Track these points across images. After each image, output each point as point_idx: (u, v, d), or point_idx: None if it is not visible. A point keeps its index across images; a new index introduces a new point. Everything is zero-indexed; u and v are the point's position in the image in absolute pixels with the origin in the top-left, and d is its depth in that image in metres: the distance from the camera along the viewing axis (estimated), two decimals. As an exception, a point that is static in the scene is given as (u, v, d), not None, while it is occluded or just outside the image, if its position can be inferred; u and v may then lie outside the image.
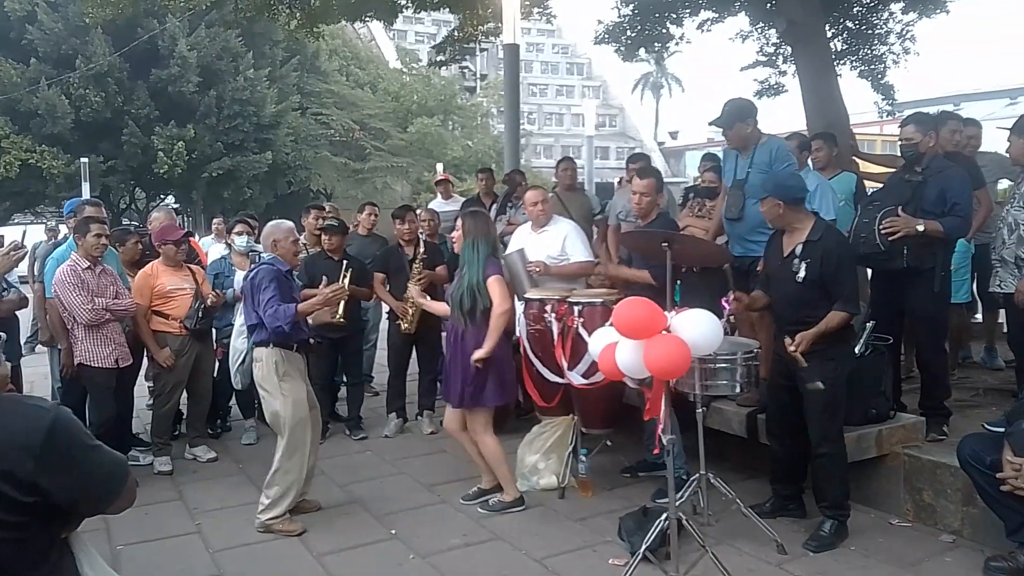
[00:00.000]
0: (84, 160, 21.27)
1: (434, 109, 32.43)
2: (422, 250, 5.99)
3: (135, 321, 5.23)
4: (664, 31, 10.49)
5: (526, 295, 4.76)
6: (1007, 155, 4.53)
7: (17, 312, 5.06)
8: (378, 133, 31.12)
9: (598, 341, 3.64)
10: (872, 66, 10.55)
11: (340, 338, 5.76)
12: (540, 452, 4.68)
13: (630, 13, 10.26)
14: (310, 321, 4.70)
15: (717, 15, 10.32)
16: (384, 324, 6.97)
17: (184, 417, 5.84)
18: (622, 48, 10.72)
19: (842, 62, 10.27)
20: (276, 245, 4.37)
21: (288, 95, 27.67)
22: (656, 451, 3.76)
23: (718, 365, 3.80)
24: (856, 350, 4.08)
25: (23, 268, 7.00)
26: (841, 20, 10.05)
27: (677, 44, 11.08)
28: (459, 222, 4.55)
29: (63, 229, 8.99)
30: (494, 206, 7.64)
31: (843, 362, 3.85)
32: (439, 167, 23.27)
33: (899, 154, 4.61)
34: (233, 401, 6.21)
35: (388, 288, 6.02)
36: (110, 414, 4.98)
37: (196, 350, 5.43)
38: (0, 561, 1.59)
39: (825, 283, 3.75)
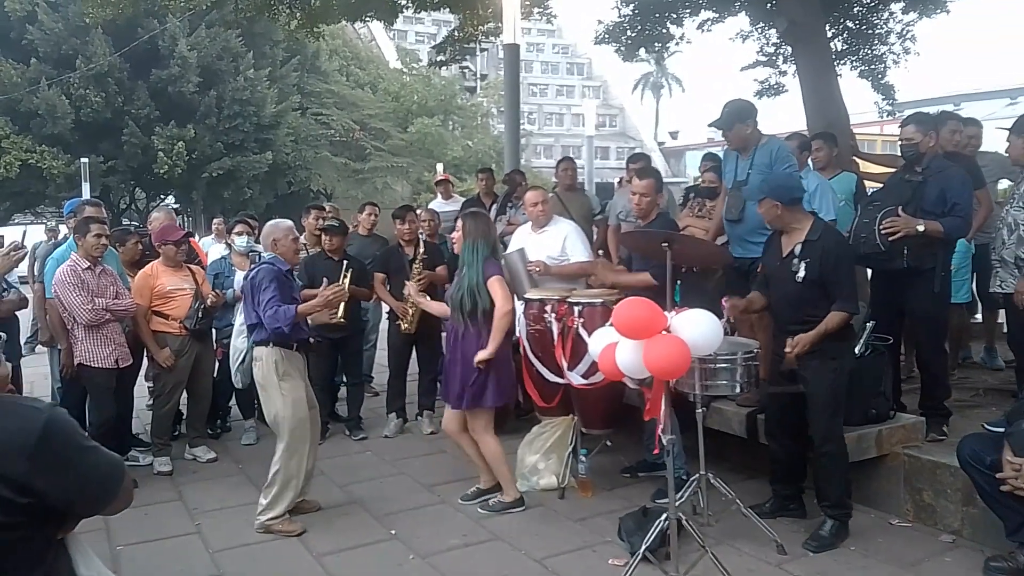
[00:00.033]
0: (84, 160, 21.27)
1: (434, 109, 32.44)
2: (422, 250, 5.99)
3: (135, 321, 5.23)
4: (664, 31, 10.49)
5: (526, 295, 4.76)
6: (1007, 155, 4.53)
7: (17, 312, 5.06)
8: (378, 133, 31.13)
9: (598, 341, 3.64)
10: (872, 66, 10.55)
11: (340, 338, 5.76)
12: (540, 452, 4.68)
13: (630, 13, 10.26)
14: (310, 321, 4.71)
15: (717, 15, 10.32)
16: (384, 324, 6.97)
17: (184, 417, 5.84)
18: (622, 48, 10.72)
19: (842, 62, 10.27)
20: (276, 244, 4.37)
21: (288, 95, 27.67)
22: (656, 451, 3.76)
23: (718, 365, 3.79)
24: (856, 350, 4.08)
25: (23, 268, 7.01)
26: (841, 20, 10.05)
27: (677, 44, 11.09)
28: (459, 223, 4.54)
29: (63, 229, 8.99)
30: (494, 206, 7.64)
31: (844, 361, 3.86)
32: (439, 167, 23.27)
33: (899, 154, 4.60)
34: (233, 401, 6.21)
35: (388, 288, 6.02)
36: (110, 414, 4.99)
37: (196, 350, 5.43)
38: None
39: (825, 282, 3.76)
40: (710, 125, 4.85)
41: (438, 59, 13.10)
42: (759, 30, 10.81)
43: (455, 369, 4.35)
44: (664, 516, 3.49)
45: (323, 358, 5.75)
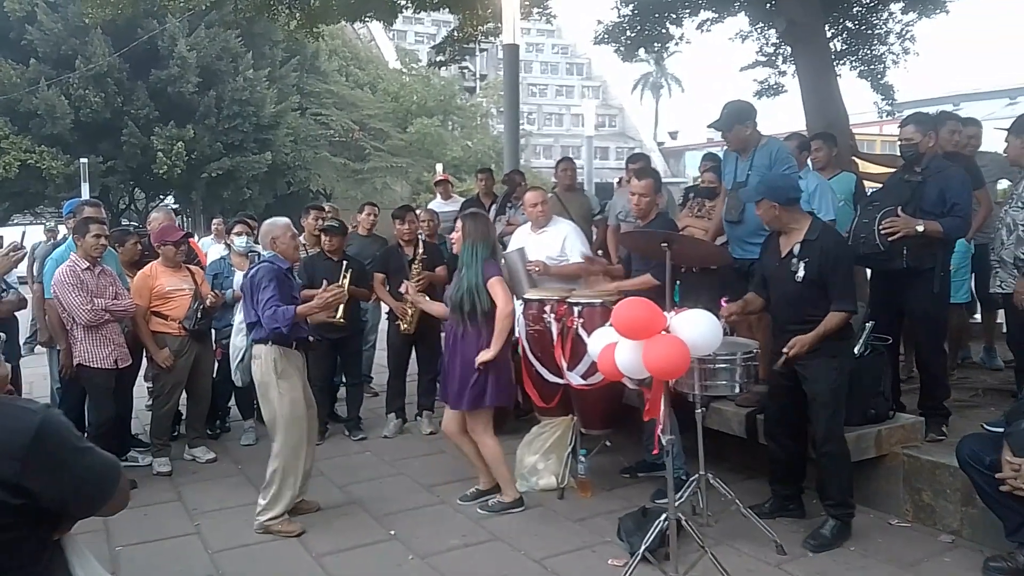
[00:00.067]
0: (83, 160, 21.25)
1: (434, 109, 32.43)
2: (421, 251, 5.98)
3: (134, 322, 5.23)
4: (664, 31, 10.50)
5: (525, 295, 4.76)
6: (1006, 155, 4.53)
7: (16, 313, 5.06)
8: (378, 133, 31.12)
9: (597, 341, 3.64)
10: (872, 66, 10.55)
11: (339, 339, 5.76)
12: (539, 453, 4.68)
13: (630, 13, 10.26)
14: (309, 320, 4.70)
15: (717, 15, 10.32)
16: (383, 324, 6.97)
17: (183, 418, 5.83)
18: (622, 48, 10.72)
19: (842, 62, 10.28)
20: (275, 243, 4.37)
21: (288, 95, 27.66)
22: (655, 451, 3.76)
23: (717, 365, 3.80)
24: (855, 350, 4.08)
25: (22, 269, 7.01)
26: (841, 20, 10.05)
27: (677, 44, 11.09)
28: (458, 223, 4.54)
29: (62, 230, 8.99)
30: (493, 206, 7.64)
31: (844, 360, 3.86)
32: (438, 167, 23.25)
33: (899, 154, 4.61)
34: (232, 402, 6.21)
35: (388, 288, 6.02)
36: (109, 415, 4.98)
37: (195, 351, 5.43)
38: None
39: (824, 282, 3.76)
40: (709, 126, 4.85)
41: (437, 59, 13.11)
42: (758, 30, 10.82)
43: (455, 370, 4.35)
44: (663, 516, 3.49)
45: (322, 358, 5.74)
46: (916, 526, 4.06)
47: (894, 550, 3.80)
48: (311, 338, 4.68)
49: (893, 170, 4.76)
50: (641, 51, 11.20)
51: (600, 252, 6.51)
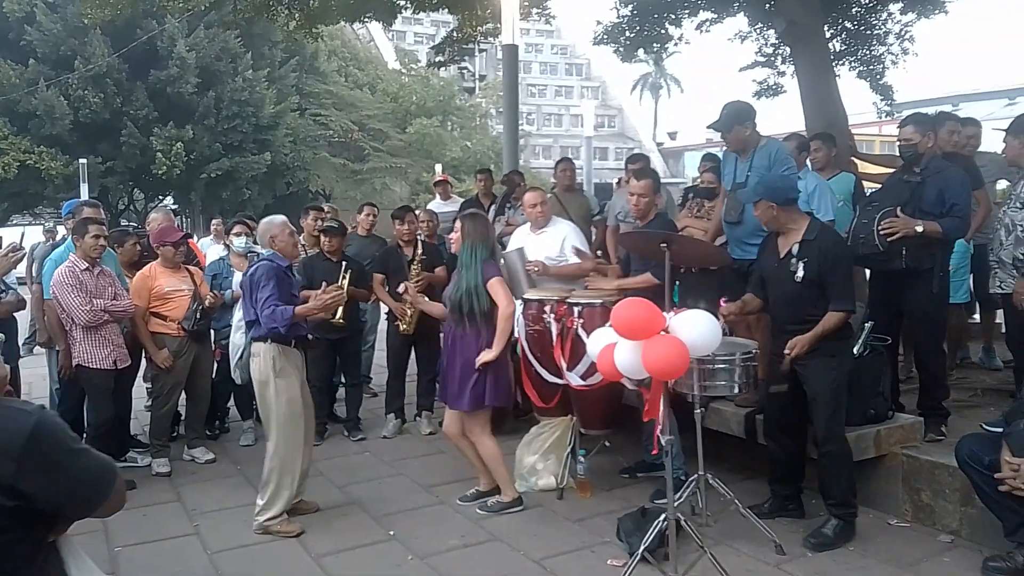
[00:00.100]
0: (83, 161, 21.25)
1: (433, 110, 32.44)
2: (420, 251, 5.98)
3: (133, 323, 5.22)
4: (663, 32, 10.51)
5: (525, 296, 4.76)
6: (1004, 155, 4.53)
7: (15, 314, 5.06)
8: (377, 134, 31.12)
9: (597, 342, 3.64)
10: (871, 66, 10.56)
11: (338, 339, 5.75)
12: (539, 453, 4.68)
13: (629, 14, 10.27)
14: (308, 320, 4.70)
15: (716, 16, 10.33)
16: (383, 325, 6.97)
17: (182, 418, 5.83)
18: (621, 49, 10.73)
19: (841, 63, 10.29)
20: (274, 241, 4.37)
21: (287, 96, 27.66)
22: (655, 452, 3.76)
23: (716, 366, 3.80)
24: (855, 350, 4.08)
25: (21, 269, 7.00)
26: (840, 21, 10.06)
27: (676, 45, 11.10)
28: (457, 224, 4.54)
29: (61, 230, 8.99)
30: (493, 207, 7.65)
31: (844, 360, 3.86)
32: (438, 168, 23.28)
33: (898, 155, 4.61)
34: (231, 402, 6.21)
35: (387, 289, 6.02)
36: (108, 415, 4.98)
37: (194, 351, 5.42)
38: None
39: (823, 282, 3.76)
40: (709, 127, 4.86)
41: (437, 60, 13.12)
42: (758, 31, 10.82)
43: (454, 370, 4.35)
44: (663, 516, 3.49)
45: (321, 359, 5.74)
46: (915, 526, 4.06)
47: (893, 550, 3.81)
48: (310, 336, 4.68)
49: (892, 170, 4.76)
50: (640, 51, 11.21)
51: (599, 253, 6.51)
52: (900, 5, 9.89)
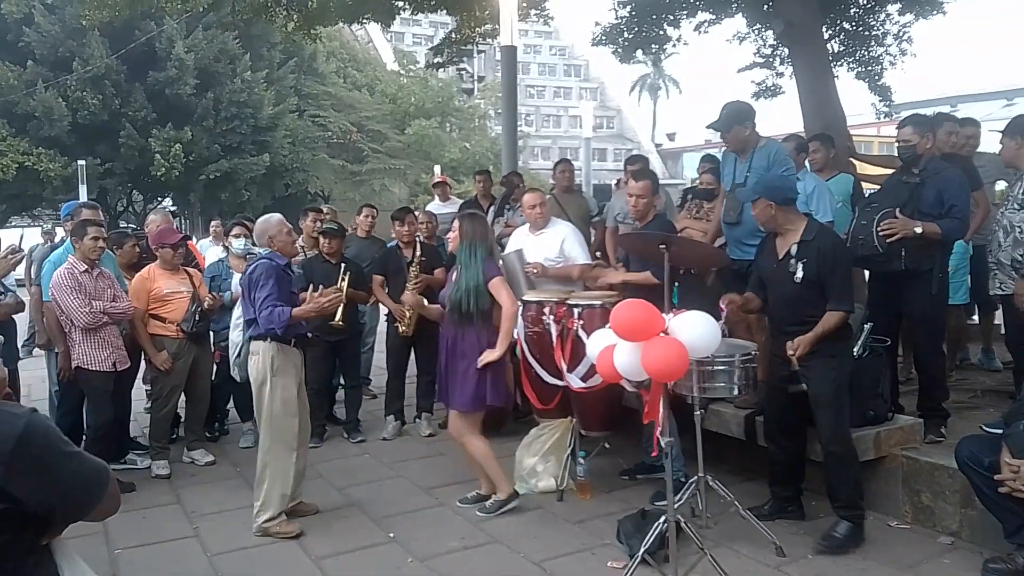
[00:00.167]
0: (81, 162, 21.22)
1: (432, 111, 32.42)
2: (419, 252, 5.98)
3: (132, 324, 5.22)
4: (661, 33, 10.52)
5: (524, 297, 4.76)
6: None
7: (14, 315, 5.05)
8: (376, 135, 31.10)
9: (596, 343, 3.64)
10: (869, 67, 10.57)
11: (338, 341, 5.75)
12: (538, 455, 4.68)
13: (627, 15, 10.28)
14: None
15: (714, 17, 10.34)
16: (382, 327, 6.96)
17: (182, 420, 5.83)
18: (619, 50, 10.74)
19: (839, 64, 10.30)
20: (272, 241, 4.36)
21: (285, 97, 27.63)
22: (654, 453, 3.75)
23: (716, 367, 3.80)
24: (854, 351, 4.08)
25: (20, 271, 6.99)
26: (838, 21, 10.07)
27: (674, 46, 11.12)
28: (455, 223, 4.55)
29: (60, 232, 8.97)
30: (492, 208, 7.64)
31: (844, 360, 3.86)
32: (437, 169, 23.25)
33: (896, 156, 4.61)
34: (231, 404, 6.20)
35: (387, 290, 6.01)
36: (108, 417, 4.97)
37: (193, 353, 5.42)
38: None
39: (822, 283, 3.76)
40: (708, 127, 4.86)
41: (435, 61, 13.13)
42: (756, 32, 10.83)
43: (456, 370, 4.34)
44: (663, 518, 3.49)
45: (321, 361, 5.74)
46: (915, 528, 4.06)
47: (893, 552, 3.80)
48: (309, 335, 4.68)
49: (891, 171, 4.76)
50: (639, 52, 11.22)
51: (599, 254, 6.51)
52: (898, 6, 9.90)
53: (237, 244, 5.96)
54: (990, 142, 5.78)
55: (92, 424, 4.95)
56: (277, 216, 4.50)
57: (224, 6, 10.26)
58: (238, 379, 5.10)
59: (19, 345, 6.33)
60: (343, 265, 5.35)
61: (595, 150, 40.14)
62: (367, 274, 6.00)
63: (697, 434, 3.84)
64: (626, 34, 10.42)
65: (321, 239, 5.97)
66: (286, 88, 28.11)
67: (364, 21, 11.86)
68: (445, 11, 11.20)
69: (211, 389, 5.75)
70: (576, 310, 4.41)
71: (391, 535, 4.22)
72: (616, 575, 3.63)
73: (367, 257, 6.38)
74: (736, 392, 4.00)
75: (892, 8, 10.00)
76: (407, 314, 5.81)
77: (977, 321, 6.35)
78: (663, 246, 3.78)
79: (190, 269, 5.63)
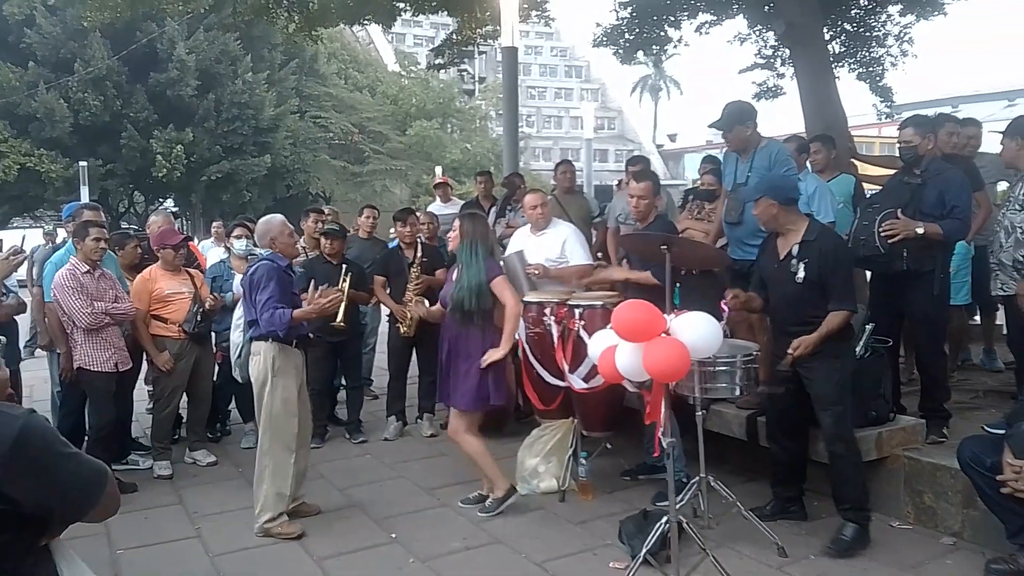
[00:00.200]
0: (83, 164, 21.26)
1: (433, 112, 32.46)
2: (420, 253, 5.98)
3: (134, 325, 5.22)
4: (662, 34, 10.52)
5: (525, 298, 4.76)
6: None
7: (16, 316, 5.06)
8: (377, 136, 31.15)
9: (597, 344, 3.64)
10: (870, 68, 10.58)
11: (339, 342, 5.75)
12: (540, 455, 4.68)
13: (628, 16, 10.29)
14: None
15: (715, 18, 10.35)
16: (383, 327, 6.97)
17: (184, 421, 5.83)
18: (620, 51, 10.75)
19: (840, 64, 10.30)
20: (274, 242, 4.36)
21: (287, 98, 27.67)
22: (656, 454, 3.76)
23: (718, 368, 3.80)
24: (856, 352, 4.08)
25: (21, 272, 6.99)
26: (839, 22, 10.07)
27: (675, 47, 11.12)
28: (456, 223, 4.55)
29: (61, 233, 8.98)
30: (493, 209, 7.65)
31: (846, 361, 3.86)
32: (438, 170, 23.30)
33: (898, 156, 4.61)
34: (233, 405, 6.21)
35: (388, 291, 6.01)
36: (110, 418, 4.97)
37: (195, 354, 5.43)
38: None
39: (824, 284, 3.76)
40: (710, 126, 4.86)
41: (436, 62, 13.12)
42: (757, 32, 10.84)
43: (457, 369, 4.35)
44: (665, 519, 3.49)
45: (322, 361, 5.74)
46: (917, 528, 4.06)
47: (895, 552, 3.80)
48: (310, 335, 4.68)
49: (892, 172, 4.76)
50: (640, 53, 11.23)
51: (600, 255, 6.51)
52: (899, 7, 9.90)
53: (238, 245, 5.96)
54: (991, 143, 5.79)
55: (94, 425, 4.95)
56: (279, 217, 4.50)
57: (225, 7, 10.26)
58: (239, 380, 5.11)
59: (21, 346, 6.35)
60: (344, 266, 5.35)
61: (596, 151, 40.20)
62: (368, 275, 6.00)
63: (699, 435, 3.83)
64: (627, 35, 10.43)
65: (322, 240, 5.97)
66: (287, 89, 28.15)
67: (365, 22, 11.86)
68: (446, 12, 11.21)
69: (213, 390, 5.75)
70: (577, 311, 4.42)
71: (393, 536, 4.22)
72: (618, 576, 3.63)
73: (368, 258, 6.38)
74: (738, 393, 4.00)
75: (893, 9, 10.00)
76: (408, 315, 5.81)
77: (979, 322, 6.34)
78: (664, 247, 3.78)
79: (192, 270, 5.64)
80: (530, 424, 5.09)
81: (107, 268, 5.12)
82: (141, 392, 6.05)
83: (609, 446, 4.86)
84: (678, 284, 4.17)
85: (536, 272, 5.07)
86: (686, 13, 10.17)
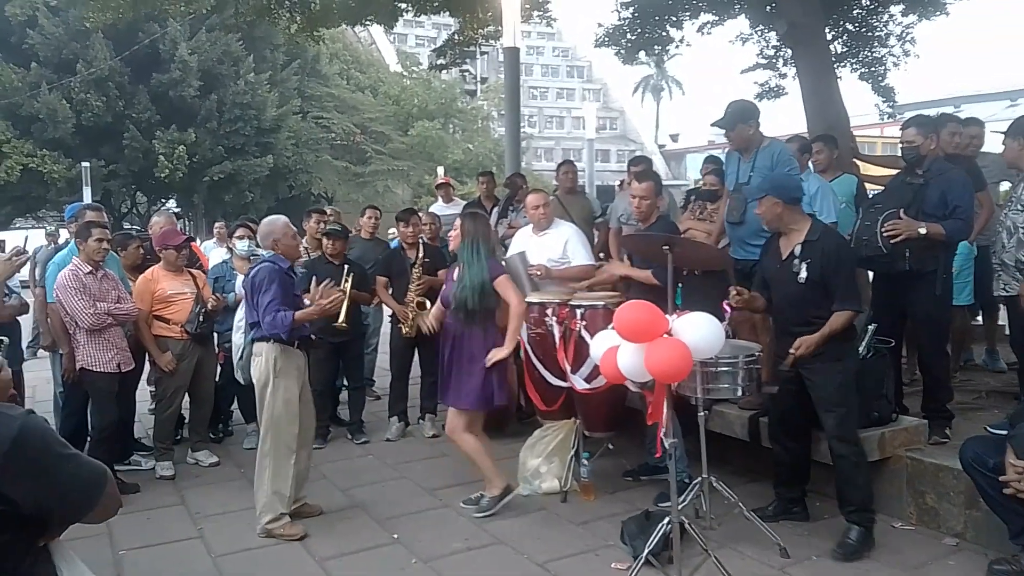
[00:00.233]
0: (85, 164, 21.33)
1: (435, 112, 32.50)
2: (422, 254, 5.98)
3: (136, 326, 5.23)
4: (664, 34, 10.52)
5: (527, 298, 4.76)
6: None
7: (18, 317, 5.06)
8: (379, 137, 31.20)
9: (599, 344, 3.64)
10: (872, 68, 10.57)
11: (341, 342, 5.76)
12: (542, 456, 4.68)
13: (630, 16, 10.29)
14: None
15: (717, 18, 10.34)
16: (386, 328, 6.97)
17: (186, 421, 5.84)
18: (622, 51, 10.75)
19: (842, 64, 10.29)
20: (277, 244, 4.36)
21: (289, 99, 27.73)
22: (658, 455, 3.76)
23: (720, 368, 3.79)
24: (859, 352, 4.07)
25: (24, 273, 7.00)
26: (841, 22, 10.07)
27: (677, 47, 11.12)
28: (457, 222, 4.56)
29: (64, 234, 9.00)
30: (495, 209, 7.64)
31: (850, 362, 3.86)
32: (440, 170, 23.33)
33: (900, 156, 4.60)
34: (235, 405, 6.21)
35: (391, 292, 6.02)
36: (112, 419, 4.98)
37: (198, 354, 5.43)
38: None
39: (826, 284, 3.76)
40: (713, 124, 4.86)
41: (438, 62, 13.13)
42: (759, 33, 10.83)
43: (460, 369, 4.35)
44: (667, 520, 3.49)
45: (324, 362, 5.74)
46: (920, 529, 4.05)
47: (898, 553, 3.79)
48: (312, 336, 4.68)
49: (894, 172, 4.76)
50: (641, 54, 11.23)
51: (602, 255, 6.51)
52: (901, 7, 9.90)
53: (241, 245, 5.96)
54: (994, 143, 5.78)
55: (97, 425, 4.96)
56: (283, 219, 4.50)
57: (227, 8, 10.29)
58: (241, 382, 5.12)
59: (24, 347, 6.36)
60: (346, 266, 5.35)
61: (598, 151, 40.21)
62: (371, 275, 6.01)
63: (701, 435, 3.83)
64: (629, 35, 10.43)
65: (324, 240, 5.97)
66: (289, 90, 28.21)
67: (367, 23, 11.87)
68: (448, 13, 11.22)
69: (215, 390, 5.75)
70: (579, 311, 4.42)
71: (395, 536, 4.22)
72: (620, 576, 3.62)
73: (370, 258, 6.39)
74: (740, 393, 4.00)
75: (895, 9, 10.00)
76: (410, 316, 5.81)
77: (981, 322, 6.33)
78: (666, 247, 3.78)
79: (194, 270, 5.64)
80: (532, 425, 5.09)
81: (110, 269, 5.12)
82: (143, 393, 6.06)
83: (611, 447, 4.85)
84: (680, 284, 4.17)
85: (538, 272, 5.07)
86: (688, 13, 10.17)
